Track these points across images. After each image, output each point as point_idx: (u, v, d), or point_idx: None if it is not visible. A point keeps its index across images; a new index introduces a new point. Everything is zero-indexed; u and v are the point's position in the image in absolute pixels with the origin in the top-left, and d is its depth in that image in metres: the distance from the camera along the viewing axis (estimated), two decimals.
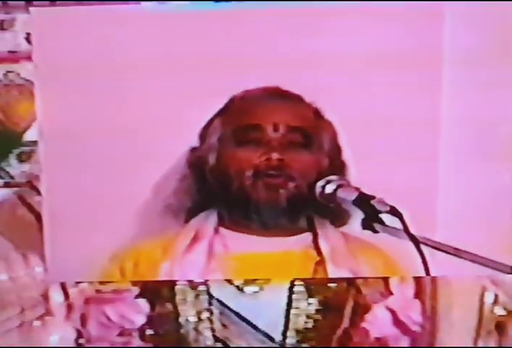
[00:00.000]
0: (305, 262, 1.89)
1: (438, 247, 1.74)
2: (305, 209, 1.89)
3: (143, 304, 1.93)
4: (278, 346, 1.91)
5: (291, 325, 1.90)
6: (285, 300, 1.90)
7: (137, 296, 1.94)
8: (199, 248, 1.88)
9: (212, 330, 1.91)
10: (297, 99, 1.91)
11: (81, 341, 1.95)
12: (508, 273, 1.70)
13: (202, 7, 1.99)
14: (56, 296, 1.94)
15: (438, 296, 1.93)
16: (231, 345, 1.91)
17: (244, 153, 1.87)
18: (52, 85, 1.96)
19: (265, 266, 1.87)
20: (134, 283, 1.92)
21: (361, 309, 1.94)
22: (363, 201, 1.76)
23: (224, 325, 1.91)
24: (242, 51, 1.98)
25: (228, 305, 1.90)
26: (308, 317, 1.90)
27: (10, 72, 2.02)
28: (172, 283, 1.90)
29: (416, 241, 1.69)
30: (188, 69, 1.98)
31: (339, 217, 1.91)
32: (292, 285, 1.90)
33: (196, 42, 1.97)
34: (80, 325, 1.94)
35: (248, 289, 1.90)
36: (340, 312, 1.93)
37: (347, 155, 1.94)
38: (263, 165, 1.86)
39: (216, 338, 1.91)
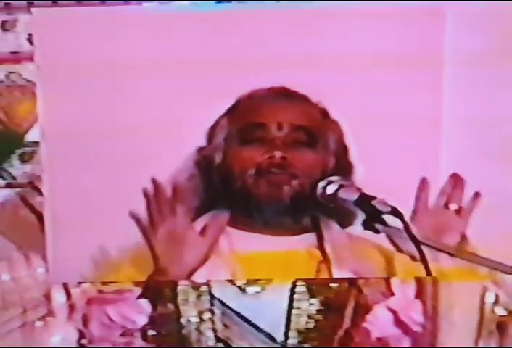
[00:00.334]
0: (309, 261, 1.89)
1: (439, 247, 1.75)
2: (309, 208, 1.89)
3: (145, 304, 1.93)
4: (279, 346, 1.91)
5: (292, 326, 1.90)
6: (286, 300, 1.90)
7: (139, 297, 1.94)
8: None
9: (214, 330, 1.91)
10: (303, 99, 1.92)
11: (83, 341, 1.95)
12: (509, 273, 1.71)
13: (204, 8, 2.00)
14: (58, 297, 1.94)
15: (439, 296, 1.94)
16: (233, 345, 1.91)
17: (247, 151, 1.88)
18: (54, 86, 1.95)
19: (270, 265, 1.87)
20: (136, 284, 1.93)
21: (362, 310, 1.94)
22: (364, 201, 1.77)
23: (226, 326, 1.91)
24: (248, 51, 1.98)
25: (230, 305, 1.90)
26: (310, 317, 1.90)
27: (12, 72, 2.03)
28: (174, 284, 1.91)
29: (417, 242, 1.70)
30: (193, 70, 1.97)
31: (345, 218, 1.91)
32: (294, 285, 1.90)
33: (200, 42, 1.97)
34: (82, 326, 1.94)
35: (250, 289, 1.90)
36: (341, 312, 1.93)
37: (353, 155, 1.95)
38: (266, 163, 1.86)
39: (218, 339, 1.91)
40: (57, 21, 1.94)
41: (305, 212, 1.90)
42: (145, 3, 2.00)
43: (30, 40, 2.01)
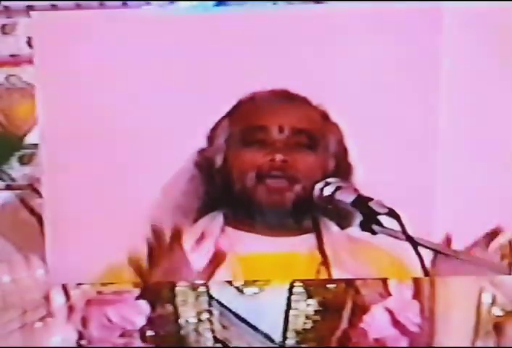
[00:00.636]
0: (310, 263, 1.90)
1: (436, 248, 1.76)
2: (311, 210, 1.90)
3: (144, 305, 1.94)
4: (277, 346, 1.92)
5: (290, 326, 1.91)
6: (284, 301, 1.91)
7: (138, 298, 1.95)
8: (204, 247, 1.88)
9: (212, 331, 1.92)
10: (304, 101, 1.92)
11: (82, 342, 1.95)
12: (506, 274, 1.71)
13: (204, 10, 2.01)
14: (58, 298, 1.94)
15: (436, 297, 1.94)
16: (231, 346, 1.92)
17: (248, 154, 1.89)
18: (53, 89, 1.96)
19: (270, 266, 1.88)
20: (135, 285, 1.94)
21: (360, 310, 1.95)
22: (361, 203, 1.78)
23: (224, 326, 1.92)
24: (248, 52, 1.99)
25: (228, 306, 1.91)
26: (307, 318, 1.91)
27: (12, 75, 2.03)
28: (172, 285, 1.92)
29: (414, 243, 1.71)
30: (194, 72, 1.98)
31: (344, 219, 1.92)
32: (291, 286, 1.91)
33: (200, 44, 1.98)
34: (81, 327, 1.95)
35: (248, 290, 1.91)
36: (339, 312, 1.94)
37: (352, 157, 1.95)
38: (267, 166, 1.87)
39: (216, 339, 1.92)
40: (56, 24, 1.95)
41: (306, 214, 1.90)
42: (144, 7, 2.01)
43: (29, 44, 2.01)
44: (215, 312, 1.92)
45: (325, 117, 1.94)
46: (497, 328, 1.96)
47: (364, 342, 1.96)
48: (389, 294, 1.96)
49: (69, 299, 1.95)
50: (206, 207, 1.93)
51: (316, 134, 1.91)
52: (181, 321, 1.92)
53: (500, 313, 1.95)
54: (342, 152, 1.94)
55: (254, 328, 1.91)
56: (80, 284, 1.95)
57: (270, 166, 1.86)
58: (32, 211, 2.00)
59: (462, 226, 1.98)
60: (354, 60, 1.99)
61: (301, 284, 1.91)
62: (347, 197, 1.81)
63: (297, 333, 1.92)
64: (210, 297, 1.92)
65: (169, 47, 1.98)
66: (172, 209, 1.95)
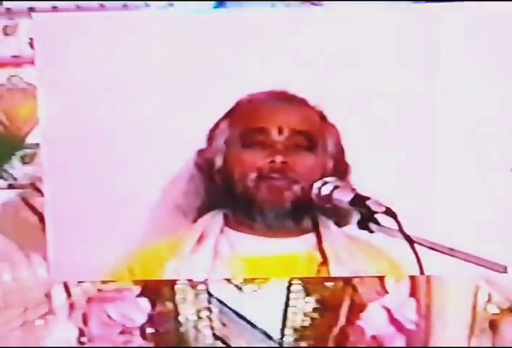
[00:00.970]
0: (310, 263, 1.90)
1: (432, 247, 1.76)
2: (310, 210, 1.90)
3: (144, 303, 1.96)
4: (276, 344, 1.93)
5: (288, 324, 1.92)
6: (283, 299, 1.92)
7: (138, 296, 1.96)
8: (204, 248, 1.89)
9: (212, 328, 1.93)
10: (302, 103, 1.93)
11: (83, 339, 1.97)
12: (502, 272, 1.72)
13: (203, 12, 2.01)
14: (59, 296, 1.96)
15: (432, 294, 1.95)
16: (230, 343, 1.93)
17: (248, 155, 1.89)
18: (54, 89, 1.98)
19: (270, 268, 1.89)
20: (135, 283, 1.95)
21: (357, 308, 1.96)
22: (359, 202, 1.77)
23: (223, 324, 1.93)
24: (248, 54, 2.00)
25: (227, 304, 1.92)
26: (305, 315, 1.92)
27: (13, 76, 2.04)
28: (172, 283, 1.93)
29: (411, 241, 1.71)
30: (193, 72, 2.00)
31: (342, 217, 1.93)
32: (290, 284, 1.92)
33: (199, 46, 1.99)
34: (82, 324, 1.96)
35: (247, 288, 1.92)
36: (337, 310, 1.95)
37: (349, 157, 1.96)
38: (267, 168, 1.87)
39: (215, 337, 1.93)
40: (57, 26, 1.97)
41: (306, 213, 1.91)
42: (144, 9, 2.02)
43: (31, 45, 2.02)
44: (215, 309, 1.93)
45: (322, 117, 1.95)
46: (493, 325, 1.97)
47: (361, 339, 1.97)
48: (386, 292, 1.97)
49: (70, 297, 1.96)
50: (206, 207, 1.94)
51: (315, 135, 1.91)
52: (181, 318, 1.93)
53: (496, 311, 1.96)
54: (340, 152, 1.95)
55: (253, 326, 1.92)
56: (81, 282, 1.96)
57: (270, 167, 1.87)
58: (33, 210, 2.01)
59: (458, 224, 2.00)
60: (353, 61, 2.01)
61: (299, 282, 1.92)
62: (344, 196, 1.81)
63: (295, 330, 1.93)
64: (210, 295, 1.93)
65: (168, 48, 1.99)
66: (172, 209, 1.96)
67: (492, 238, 1.97)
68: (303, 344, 1.94)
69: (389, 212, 1.74)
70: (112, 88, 1.99)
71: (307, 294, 1.93)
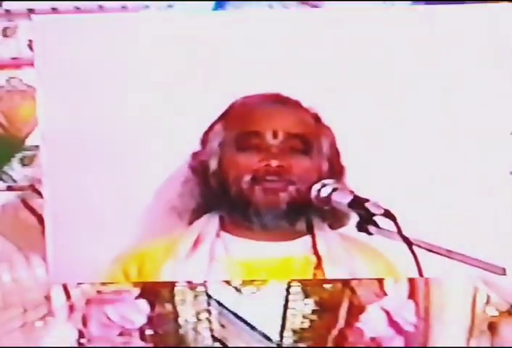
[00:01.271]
0: (306, 267, 1.91)
1: (431, 249, 1.76)
2: (305, 211, 1.90)
3: (144, 304, 1.96)
4: (275, 346, 1.93)
5: (287, 326, 1.92)
6: (282, 301, 1.92)
7: (137, 297, 1.96)
8: (200, 252, 1.89)
9: (211, 330, 1.93)
10: (296, 105, 1.93)
11: (82, 341, 1.97)
12: (500, 274, 1.72)
13: (202, 14, 2.02)
14: (58, 297, 1.96)
15: (431, 297, 1.95)
16: (229, 345, 1.93)
17: (243, 159, 1.88)
18: (54, 91, 1.98)
19: (266, 271, 1.90)
20: (135, 284, 1.95)
21: (356, 310, 1.96)
22: (358, 204, 1.77)
23: (222, 326, 1.93)
24: (243, 56, 2.00)
25: (226, 306, 1.93)
26: (304, 317, 1.92)
27: (13, 78, 2.04)
28: (171, 285, 1.93)
29: (409, 243, 1.71)
30: (189, 74, 2.00)
31: (337, 219, 1.93)
32: (289, 286, 1.92)
33: (197, 47, 1.99)
34: (81, 326, 1.96)
35: (246, 290, 1.92)
36: (335, 312, 1.95)
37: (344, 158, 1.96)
38: (262, 171, 1.86)
39: (214, 338, 1.93)
40: (57, 27, 1.97)
41: (301, 215, 1.91)
42: (143, 10, 2.02)
43: (30, 46, 2.02)
44: (214, 311, 1.93)
45: (317, 119, 1.95)
46: (492, 327, 1.97)
47: (360, 341, 1.97)
48: (385, 294, 1.97)
49: (69, 299, 1.96)
50: (201, 209, 1.94)
51: (310, 138, 1.91)
52: (180, 320, 1.93)
53: (495, 313, 1.96)
54: (335, 154, 1.95)
55: (252, 327, 1.92)
56: (80, 283, 1.96)
57: (266, 171, 1.86)
58: (33, 211, 2.01)
59: (456, 226, 2.00)
60: (352, 62, 2.01)
61: (298, 284, 1.92)
62: (343, 198, 1.81)
63: (294, 332, 1.93)
64: (209, 297, 1.93)
65: (167, 50, 1.99)
66: (167, 211, 1.96)
67: (490, 240, 1.98)
68: (302, 345, 1.94)
69: (387, 214, 1.74)
70: (111, 90, 1.99)
71: (306, 296, 1.93)
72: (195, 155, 1.96)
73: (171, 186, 1.97)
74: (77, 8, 2.03)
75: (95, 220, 1.99)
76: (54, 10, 2.02)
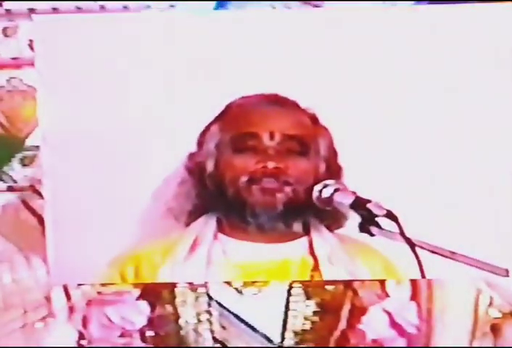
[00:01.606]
0: (303, 269, 1.90)
1: (434, 250, 1.76)
2: (302, 212, 1.90)
3: (144, 305, 1.95)
4: (276, 347, 1.93)
5: (289, 327, 1.92)
6: (283, 302, 1.92)
7: (138, 298, 1.96)
8: (198, 254, 1.89)
9: (212, 331, 1.93)
10: (293, 106, 1.92)
11: (83, 342, 1.97)
12: (503, 276, 1.71)
13: (206, 14, 2.01)
14: (59, 298, 1.96)
15: (434, 298, 1.95)
16: (230, 346, 1.92)
17: (240, 160, 1.88)
18: (54, 91, 1.98)
19: (264, 274, 1.89)
20: (135, 286, 1.95)
21: (358, 311, 1.96)
22: (360, 205, 1.77)
23: (223, 327, 1.92)
24: (242, 56, 2.00)
25: (227, 307, 1.92)
26: (306, 318, 1.92)
27: (13, 78, 2.04)
28: (172, 286, 1.93)
29: (412, 244, 1.71)
30: (187, 75, 2.00)
31: (335, 220, 1.93)
32: (290, 287, 1.92)
33: (195, 48, 1.99)
34: (81, 327, 1.96)
35: (247, 291, 1.92)
36: (337, 313, 1.95)
37: (342, 159, 1.96)
38: (259, 173, 1.86)
39: (215, 340, 1.93)
40: (58, 27, 1.97)
41: (298, 216, 1.90)
42: (144, 10, 2.02)
43: (31, 46, 2.02)
44: (215, 312, 1.92)
45: (314, 120, 1.94)
46: (495, 329, 1.96)
47: (362, 343, 1.97)
48: (387, 296, 1.96)
49: (69, 300, 1.96)
50: (198, 210, 1.94)
51: (307, 139, 1.90)
52: (181, 322, 1.93)
53: (498, 315, 1.96)
54: (332, 155, 1.94)
55: (253, 329, 1.92)
56: (80, 285, 1.96)
57: (263, 172, 1.86)
58: (33, 212, 2.01)
59: (458, 227, 1.99)
60: (354, 62, 2.01)
61: (299, 285, 1.92)
62: (345, 199, 1.80)
63: (296, 333, 1.93)
64: (210, 298, 1.92)
65: (168, 50, 1.99)
66: (164, 212, 1.96)
67: (493, 242, 1.97)
68: (303, 347, 1.93)
69: (390, 215, 1.74)
70: (112, 90, 1.99)
71: (308, 298, 1.92)
72: (191, 156, 1.95)
73: (168, 188, 1.97)
74: (79, 8, 2.02)
75: (96, 221, 1.99)
76: (55, 10, 2.02)
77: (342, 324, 1.95)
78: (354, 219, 1.77)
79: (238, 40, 1.99)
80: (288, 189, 1.87)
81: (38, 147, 2.01)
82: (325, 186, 1.84)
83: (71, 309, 1.96)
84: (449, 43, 2.00)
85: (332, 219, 1.92)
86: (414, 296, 1.97)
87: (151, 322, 1.96)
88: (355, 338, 1.96)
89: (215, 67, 2.00)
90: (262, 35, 1.99)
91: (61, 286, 1.96)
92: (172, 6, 2.03)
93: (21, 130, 2.04)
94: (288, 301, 1.92)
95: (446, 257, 1.70)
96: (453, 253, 1.69)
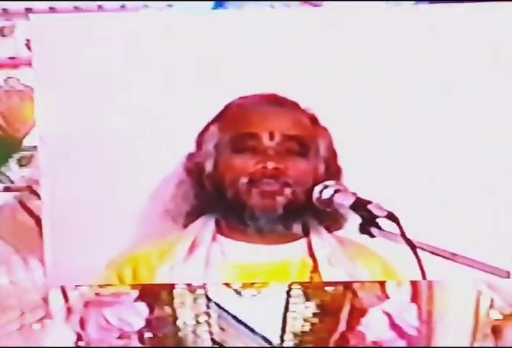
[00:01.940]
0: (302, 270, 1.90)
1: (434, 252, 1.75)
2: (301, 214, 1.89)
3: (142, 307, 1.95)
4: None
5: (288, 329, 1.91)
6: (282, 304, 1.91)
7: (136, 300, 1.95)
8: (197, 256, 1.88)
9: (210, 333, 1.92)
10: (293, 106, 1.92)
11: (81, 343, 1.96)
12: (504, 278, 1.71)
13: (204, 13, 2.01)
14: (56, 300, 1.95)
15: (434, 300, 1.94)
16: None
17: (239, 161, 1.87)
18: (52, 91, 1.97)
19: (263, 275, 1.89)
20: (133, 287, 1.94)
21: (358, 313, 1.95)
22: (360, 206, 1.76)
23: (222, 329, 1.92)
24: (239, 56, 1.99)
25: (226, 308, 1.91)
26: (305, 320, 1.91)
27: (10, 78, 2.03)
28: (170, 287, 1.92)
29: (413, 246, 1.70)
30: (185, 75, 1.99)
31: (334, 222, 1.92)
32: (289, 288, 1.91)
33: (193, 48, 1.99)
34: (79, 328, 1.96)
35: (246, 293, 1.91)
36: (337, 315, 1.94)
37: (341, 160, 1.95)
38: (259, 173, 1.85)
39: (214, 342, 1.92)
40: (55, 27, 1.97)
41: (297, 218, 1.90)
42: (142, 10, 2.01)
43: (28, 46, 2.01)
44: (213, 314, 1.92)
45: (314, 121, 1.93)
46: (496, 331, 1.96)
47: (362, 345, 1.96)
48: (387, 297, 1.96)
49: (67, 301, 1.96)
50: (196, 212, 1.93)
51: (306, 140, 1.90)
52: (179, 323, 1.92)
53: (499, 316, 1.96)
54: (332, 156, 1.94)
55: (252, 331, 1.91)
56: (78, 286, 1.95)
57: (262, 173, 1.85)
58: (30, 213, 2.01)
59: (459, 228, 1.99)
60: (353, 62, 2.00)
61: (299, 287, 1.91)
62: (345, 200, 1.80)
63: (295, 335, 1.92)
64: (208, 299, 1.92)
65: (166, 50, 1.98)
66: (161, 214, 1.95)
67: (495, 243, 1.96)
68: None
69: (390, 217, 1.73)
70: (110, 90, 1.98)
71: (307, 299, 1.92)
72: (190, 157, 1.95)
73: (166, 189, 1.96)
74: (76, 8, 2.02)
75: (94, 222, 1.99)
76: (52, 10, 2.01)
77: (342, 326, 1.95)
78: (353, 220, 1.77)
79: (237, 40, 1.99)
80: (288, 191, 1.86)
81: (35, 147, 2.01)
82: (325, 187, 1.84)
83: (69, 311, 1.96)
84: (449, 43, 2.00)
85: (331, 220, 1.92)
86: (414, 298, 1.96)
87: (149, 324, 1.95)
88: (355, 339, 1.96)
89: (213, 66, 1.99)
90: (261, 35, 1.99)
91: (58, 288, 1.96)
92: (170, 5, 2.02)
93: (18, 131, 2.03)
94: (287, 303, 1.91)
95: (447, 258, 1.69)
96: (454, 254, 1.69)
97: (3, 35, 2.04)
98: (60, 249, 1.96)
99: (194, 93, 1.99)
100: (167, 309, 1.93)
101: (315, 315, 1.92)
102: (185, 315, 1.92)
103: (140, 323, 1.95)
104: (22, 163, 2.04)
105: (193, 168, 1.93)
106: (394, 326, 1.96)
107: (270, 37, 1.98)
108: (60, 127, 1.97)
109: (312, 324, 1.92)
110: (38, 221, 1.98)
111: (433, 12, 1.98)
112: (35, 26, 1.97)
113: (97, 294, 1.95)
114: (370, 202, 1.76)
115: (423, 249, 1.70)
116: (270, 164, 1.85)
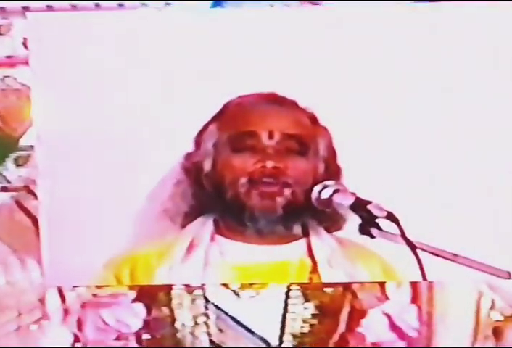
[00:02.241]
0: (301, 271, 1.89)
1: (435, 252, 1.75)
2: (301, 215, 1.89)
3: (140, 308, 1.94)
4: None
5: (287, 330, 1.91)
6: (281, 305, 1.90)
7: (133, 301, 1.95)
8: (195, 256, 1.87)
9: (209, 334, 1.91)
10: (292, 105, 1.91)
11: (78, 345, 1.96)
12: (505, 278, 1.70)
13: (202, 12, 2.01)
14: (53, 301, 1.95)
15: (434, 301, 1.94)
16: None
17: (239, 160, 1.86)
18: (49, 90, 1.97)
19: (262, 276, 1.88)
20: (131, 288, 1.93)
21: (357, 314, 1.95)
22: (360, 206, 1.76)
23: (220, 330, 1.91)
24: (238, 55, 1.99)
25: (225, 310, 1.91)
26: (304, 321, 1.91)
27: (7, 76, 2.03)
28: (168, 288, 1.91)
29: (413, 246, 1.70)
30: (184, 74, 1.99)
31: (333, 222, 1.91)
32: (288, 289, 1.90)
33: (192, 47, 1.98)
34: (76, 329, 1.95)
35: (244, 294, 1.91)
36: (336, 316, 1.93)
37: (341, 160, 1.94)
38: (258, 173, 1.84)
39: (212, 343, 1.92)
40: (52, 25, 1.96)
41: (297, 219, 1.89)
42: (139, 8, 2.01)
43: (25, 45, 2.01)
44: (212, 315, 1.91)
45: (313, 120, 1.92)
46: (497, 332, 1.96)
47: (361, 346, 1.96)
48: (387, 298, 1.96)
49: (64, 302, 1.95)
50: (194, 212, 1.92)
51: (306, 139, 1.89)
52: (177, 324, 1.92)
53: (499, 318, 1.95)
54: (331, 155, 1.93)
55: (251, 332, 1.91)
56: (75, 287, 1.95)
57: (262, 172, 1.84)
58: (27, 213, 2.00)
59: (459, 229, 1.98)
60: (352, 62, 2.00)
61: (298, 288, 1.91)
62: (345, 200, 1.79)
63: (294, 336, 1.91)
64: (206, 300, 1.91)
65: (164, 49, 1.98)
66: (159, 214, 1.94)
67: (495, 244, 1.96)
68: None
69: (390, 217, 1.73)
70: (107, 89, 1.98)
71: (306, 300, 1.91)
72: (188, 156, 1.94)
73: (164, 188, 1.96)
74: (74, 6, 2.01)
75: (91, 222, 1.98)
76: (50, 8, 2.01)
77: (341, 327, 1.95)
78: (353, 221, 1.77)
79: (236, 39, 1.99)
80: (287, 192, 1.85)
81: (32, 147, 2.00)
82: (324, 187, 1.83)
83: (66, 312, 1.96)
84: (449, 43, 2.00)
85: (331, 221, 1.91)
86: (414, 299, 1.96)
87: (147, 325, 1.95)
88: (355, 341, 1.96)
89: (212, 65, 1.99)
90: (260, 34, 1.99)
91: (55, 288, 1.96)
92: (168, 4, 2.02)
93: (15, 130, 2.03)
94: (286, 304, 1.91)
95: (447, 259, 1.69)
96: (454, 255, 1.69)
97: (0, 34, 2.04)
98: (57, 250, 1.95)
99: (193, 92, 1.99)
100: (165, 310, 1.92)
101: (314, 316, 1.92)
102: (183, 316, 1.92)
103: (137, 324, 1.95)
104: (19, 163, 2.04)
105: (192, 167, 1.92)
106: (394, 327, 1.96)
107: (269, 36, 1.98)
108: (57, 126, 1.97)
109: (312, 325, 1.92)
110: (35, 221, 1.98)
111: (433, 12, 1.98)
112: (33, 24, 1.97)
113: (94, 295, 1.95)
114: (369, 202, 1.76)
115: (423, 249, 1.70)
116: (270, 164, 1.84)
